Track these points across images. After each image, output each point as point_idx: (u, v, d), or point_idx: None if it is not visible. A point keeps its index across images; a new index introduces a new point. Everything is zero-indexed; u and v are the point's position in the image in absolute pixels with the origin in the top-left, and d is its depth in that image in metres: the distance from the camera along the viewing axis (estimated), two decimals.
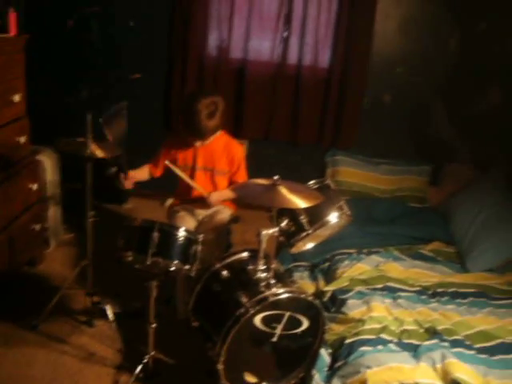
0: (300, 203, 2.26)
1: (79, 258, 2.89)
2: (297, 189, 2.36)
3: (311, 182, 2.58)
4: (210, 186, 3.12)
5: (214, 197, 3.03)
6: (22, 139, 3.10)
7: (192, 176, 3.10)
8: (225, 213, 3.14)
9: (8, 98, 2.95)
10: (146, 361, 2.54)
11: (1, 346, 2.73)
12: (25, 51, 3.10)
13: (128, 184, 3.04)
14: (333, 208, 2.55)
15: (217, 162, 3.10)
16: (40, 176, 3.43)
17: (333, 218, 2.54)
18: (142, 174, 3.17)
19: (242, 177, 3.12)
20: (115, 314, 2.86)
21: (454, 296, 3.09)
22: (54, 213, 3.64)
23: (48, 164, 3.50)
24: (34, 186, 3.25)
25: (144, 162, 4.23)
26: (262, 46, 4.37)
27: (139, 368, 2.52)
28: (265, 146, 4.50)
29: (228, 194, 3.09)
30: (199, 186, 3.03)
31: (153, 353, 2.55)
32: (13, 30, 3.01)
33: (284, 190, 2.29)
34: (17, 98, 3.00)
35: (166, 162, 2.96)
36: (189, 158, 3.11)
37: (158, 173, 3.20)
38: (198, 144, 3.01)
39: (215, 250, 2.89)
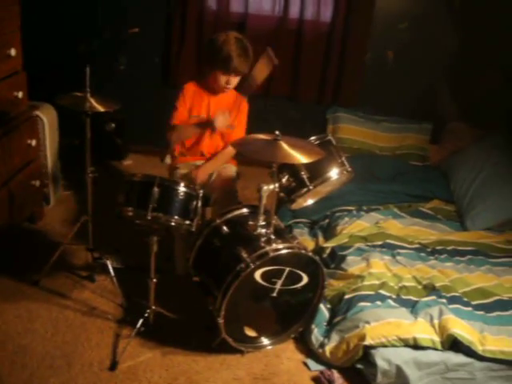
0: (301, 158, 2.25)
1: (79, 214, 2.89)
2: (298, 144, 2.33)
3: (312, 138, 2.56)
4: (219, 141, 3.09)
5: (200, 174, 2.95)
6: (20, 94, 3.05)
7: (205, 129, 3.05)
8: (230, 169, 3.12)
9: (4, 52, 2.89)
10: (147, 315, 2.56)
11: (3, 302, 2.75)
12: (20, 4, 3.03)
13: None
14: (334, 164, 2.54)
15: None
16: (39, 132, 3.39)
17: (334, 174, 2.53)
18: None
19: (240, 132, 3.07)
20: (116, 269, 2.87)
21: (453, 254, 3.11)
22: (53, 169, 3.62)
23: (46, 120, 3.46)
24: (33, 142, 3.22)
25: (142, 116, 4.22)
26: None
27: (140, 322, 2.54)
28: (264, 102, 4.44)
29: (213, 165, 3.04)
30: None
31: (154, 307, 2.57)
32: None
33: (285, 145, 2.27)
34: (13, 52, 2.94)
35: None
36: (203, 109, 3.04)
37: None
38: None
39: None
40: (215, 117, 2.86)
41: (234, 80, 2.94)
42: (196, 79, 3.09)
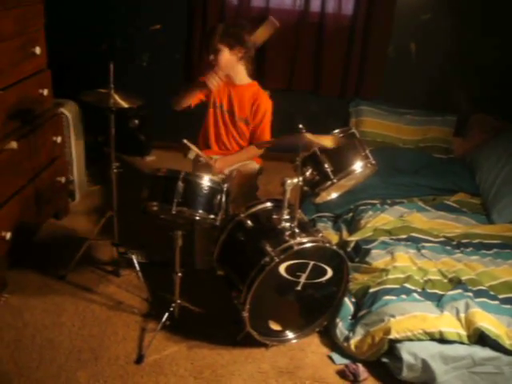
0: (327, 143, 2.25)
1: (104, 209, 2.91)
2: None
3: (336, 131, 2.55)
4: (233, 131, 3.11)
5: (219, 164, 2.99)
6: (45, 92, 3.09)
7: (222, 118, 3.09)
8: (252, 166, 3.13)
9: (29, 50, 2.92)
10: (172, 309, 2.58)
11: (30, 296, 2.79)
12: (44, 2, 3.06)
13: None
14: (358, 157, 2.52)
15: (240, 108, 3.06)
16: (63, 129, 3.43)
17: (358, 167, 2.51)
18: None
19: (263, 133, 3.07)
20: (141, 263, 2.90)
21: (479, 247, 3.07)
22: (78, 165, 3.66)
23: (71, 116, 3.50)
24: (58, 139, 3.26)
25: (164, 112, 4.23)
26: None
27: (166, 316, 2.56)
28: (287, 97, 4.42)
29: (235, 159, 3.07)
30: (206, 156, 2.97)
31: (179, 301, 2.59)
32: None
33: (310, 136, 2.28)
34: (37, 50, 2.97)
35: (185, 141, 2.83)
36: (217, 96, 3.08)
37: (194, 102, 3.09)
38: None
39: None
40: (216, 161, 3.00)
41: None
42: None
